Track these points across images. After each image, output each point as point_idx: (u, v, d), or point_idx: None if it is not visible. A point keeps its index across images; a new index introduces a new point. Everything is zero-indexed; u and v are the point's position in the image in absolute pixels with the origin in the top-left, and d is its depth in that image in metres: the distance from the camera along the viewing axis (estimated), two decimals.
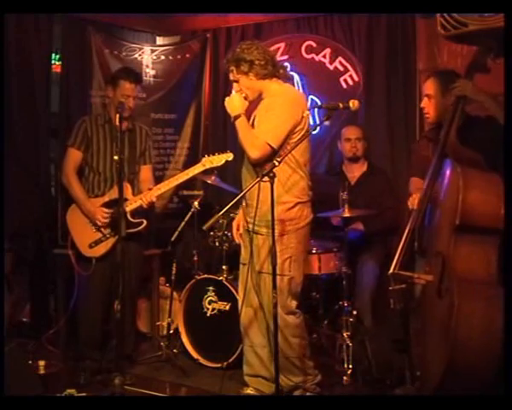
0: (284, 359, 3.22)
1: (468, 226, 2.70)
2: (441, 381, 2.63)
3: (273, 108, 3.18)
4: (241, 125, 3.21)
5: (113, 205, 3.66)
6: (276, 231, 3.09)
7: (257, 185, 2.96)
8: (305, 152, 3.27)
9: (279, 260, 3.11)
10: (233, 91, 3.38)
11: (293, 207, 3.21)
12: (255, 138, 3.16)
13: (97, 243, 3.73)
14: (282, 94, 3.25)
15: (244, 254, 3.37)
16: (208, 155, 3.80)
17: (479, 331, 2.58)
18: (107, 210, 3.71)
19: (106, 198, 3.75)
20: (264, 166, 3.12)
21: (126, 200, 3.67)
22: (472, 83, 3.01)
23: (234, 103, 3.25)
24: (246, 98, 3.28)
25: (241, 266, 3.41)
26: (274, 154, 3.12)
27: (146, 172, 3.96)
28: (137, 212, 3.73)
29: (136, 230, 3.71)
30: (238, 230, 3.48)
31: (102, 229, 3.74)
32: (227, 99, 3.28)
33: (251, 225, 3.21)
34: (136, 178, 3.89)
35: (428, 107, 3.27)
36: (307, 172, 3.29)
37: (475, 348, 2.57)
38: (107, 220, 3.71)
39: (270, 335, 3.18)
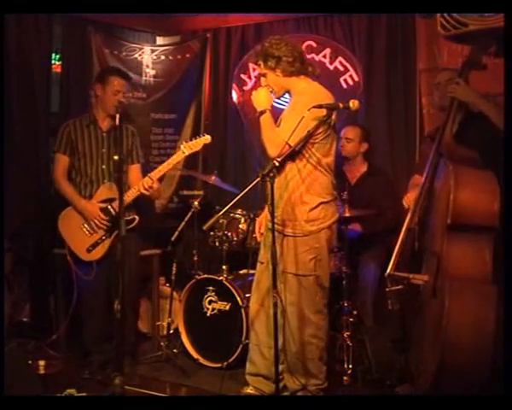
0: (297, 359, 3.18)
1: (459, 225, 2.68)
2: (434, 380, 2.62)
3: (297, 107, 3.10)
4: (264, 121, 3.13)
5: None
6: (300, 232, 3.10)
7: (281, 185, 3.04)
8: (330, 151, 3.19)
9: (304, 260, 3.11)
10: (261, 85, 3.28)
11: (315, 207, 3.15)
12: (276, 136, 3.09)
13: (94, 246, 3.72)
14: (307, 93, 3.17)
15: (263, 254, 3.32)
16: (186, 142, 3.83)
17: (469, 331, 2.55)
18: (103, 205, 3.71)
19: (94, 201, 3.76)
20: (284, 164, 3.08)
21: (114, 200, 3.68)
22: (465, 85, 3.00)
23: (260, 98, 3.17)
24: (272, 93, 3.21)
25: (258, 264, 3.38)
26: (293, 153, 3.05)
27: (135, 171, 3.98)
28: (127, 209, 3.70)
29: (129, 227, 3.67)
30: (260, 229, 3.47)
31: (96, 230, 3.72)
32: (254, 93, 3.21)
33: (275, 225, 3.10)
34: (123, 176, 3.87)
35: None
36: (331, 171, 3.22)
37: (465, 347, 2.54)
38: (106, 218, 3.69)
39: (285, 334, 3.12)
